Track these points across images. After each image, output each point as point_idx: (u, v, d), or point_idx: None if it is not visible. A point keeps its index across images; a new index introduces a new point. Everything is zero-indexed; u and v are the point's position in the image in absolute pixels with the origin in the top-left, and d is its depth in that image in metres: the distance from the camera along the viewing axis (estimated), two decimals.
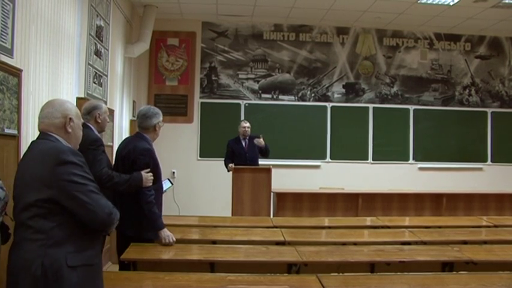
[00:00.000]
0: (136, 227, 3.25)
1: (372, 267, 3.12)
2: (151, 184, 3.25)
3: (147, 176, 3.23)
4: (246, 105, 7.98)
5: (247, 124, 6.44)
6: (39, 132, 2.10)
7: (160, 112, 3.47)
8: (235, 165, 6.12)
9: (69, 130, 2.06)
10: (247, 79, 8.04)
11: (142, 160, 3.26)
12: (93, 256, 2.00)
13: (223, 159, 6.40)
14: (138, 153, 3.28)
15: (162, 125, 3.44)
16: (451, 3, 6.83)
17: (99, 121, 3.38)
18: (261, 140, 6.26)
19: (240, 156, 6.29)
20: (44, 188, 1.89)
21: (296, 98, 8.12)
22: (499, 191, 6.90)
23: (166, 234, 3.24)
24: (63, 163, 1.90)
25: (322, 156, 8.02)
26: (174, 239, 3.25)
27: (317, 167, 8.00)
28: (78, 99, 4.53)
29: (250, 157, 6.30)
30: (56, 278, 1.85)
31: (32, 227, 1.90)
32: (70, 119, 2.05)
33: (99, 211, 1.93)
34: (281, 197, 6.28)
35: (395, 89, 8.27)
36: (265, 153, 6.37)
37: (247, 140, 6.40)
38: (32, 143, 2.10)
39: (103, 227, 1.99)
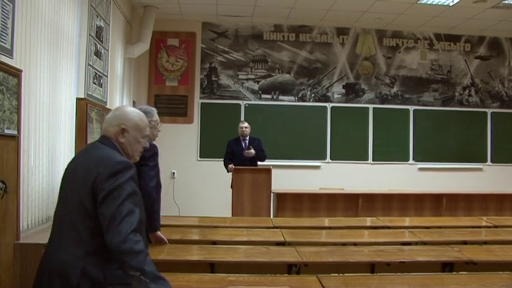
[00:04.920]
0: None
1: (372, 267, 3.12)
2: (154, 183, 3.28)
3: (161, 238, 3.28)
4: (246, 105, 7.98)
5: (245, 124, 6.46)
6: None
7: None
8: (234, 165, 6.13)
9: (121, 140, 2.02)
10: (247, 79, 8.04)
11: (148, 154, 3.26)
12: None
13: (223, 159, 6.41)
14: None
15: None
16: (451, 4, 6.83)
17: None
18: (251, 151, 6.23)
19: (240, 157, 6.30)
20: (92, 195, 1.84)
21: (296, 98, 8.12)
22: (499, 191, 6.91)
23: (162, 236, 3.27)
24: (114, 174, 1.85)
25: (322, 157, 8.02)
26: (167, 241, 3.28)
27: (317, 167, 7.99)
28: (78, 99, 4.53)
29: (249, 158, 6.32)
30: None
31: (76, 231, 1.85)
32: (123, 129, 2.01)
33: (118, 231, 1.77)
34: (281, 197, 6.28)
35: (395, 89, 8.27)
36: (261, 159, 6.37)
37: (247, 141, 6.42)
38: (92, 143, 2.08)
39: (112, 250, 1.78)
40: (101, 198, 1.82)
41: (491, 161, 8.33)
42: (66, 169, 2.05)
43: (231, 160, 6.31)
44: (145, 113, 3.34)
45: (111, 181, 1.83)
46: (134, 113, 2.08)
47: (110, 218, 1.79)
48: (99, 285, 1.82)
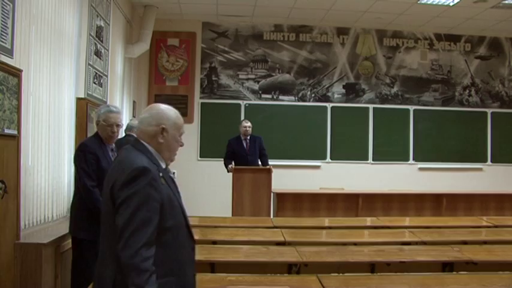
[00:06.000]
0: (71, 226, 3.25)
1: (372, 267, 3.12)
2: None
3: None
4: (246, 105, 7.98)
5: (248, 124, 6.43)
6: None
7: (100, 110, 3.33)
8: (235, 165, 6.12)
9: (161, 141, 1.90)
10: (247, 79, 8.04)
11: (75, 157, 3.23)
12: (170, 283, 1.78)
13: (223, 158, 6.39)
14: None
15: (107, 123, 3.22)
16: (451, 4, 6.83)
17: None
18: None
19: (242, 157, 6.28)
20: (111, 201, 1.78)
21: (296, 98, 8.11)
22: (499, 191, 6.90)
23: None
24: (129, 182, 1.75)
25: (322, 157, 8.02)
26: None
27: (317, 167, 7.99)
28: (78, 99, 4.53)
29: (251, 159, 6.30)
30: None
31: (109, 237, 1.81)
32: (163, 129, 1.90)
33: (128, 244, 1.69)
34: (281, 197, 6.28)
35: (395, 89, 8.27)
36: (265, 164, 6.35)
37: (248, 141, 6.40)
38: (124, 148, 1.98)
39: (120, 261, 1.70)
40: (116, 207, 1.75)
41: (491, 161, 8.32)
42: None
43: (232, 160, 6.29)
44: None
45: (126, 189, 1.75)
46: (171, 111, 1.96)
47: (121, 227, 1.71)
48: None
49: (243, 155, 6.31)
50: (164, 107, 1.97)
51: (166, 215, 1.82)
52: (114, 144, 3.32)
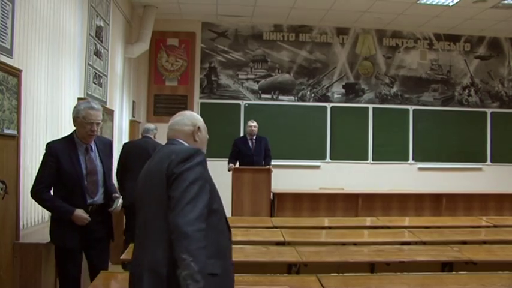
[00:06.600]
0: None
1: (371, 267, 3.13)
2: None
3: (82, 216, 2.95)
4: (246, 105, 7.98)
5: (254, 123, 6.43)
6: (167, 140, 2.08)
7: (79, 106, 3.05)
8: (241, 165, 6.13)
9: (197, 139, 2.06)
10: (247, 79, 8.04)
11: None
12: (215, 265, 1.82)
13: (228, 158, 6.36)
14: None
15: (87, 120, 2.97)
16: (451, 4, 6.83)
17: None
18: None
19: (247, 157, 6.29)
20: (167, 184, 1.83)
21: (296, 98, 8.12)
22: (498, 191, 6.90)
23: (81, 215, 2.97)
24: (185, 159, 1.85)
25: (322, 157, 8.02)
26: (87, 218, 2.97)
27: (317, 167, 7.99)
28: (78, 99, 4.53)
29: (257, 159, 6.30)
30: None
31: (156, 227, 1.85)
32: (198, 128, 2.06)
33: (185, 212, 1.75)
34: (281, 197, 6.27)
35: (395, 89, 8.27)
36: (268, 164, 6.35)
37: (254, 141, 6.40)
38: (158, 149, 2.08)
39: (173, 229, 1.73)
40: (171, 182, 1.82)
41: (491, 161, 8.33)
42: (138, 180, 2.05)
43: (237, 159, 6.30)
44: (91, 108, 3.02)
45: (181, 165, 1.83)
46: (198, 115, 2.14)
47: (178, 197, 1.77)
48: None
49: (249, 154, 6.32)
50: (191, 112, 2.16)
51: (212, 198, 1.89)
52: (92, 143, 3.09)
